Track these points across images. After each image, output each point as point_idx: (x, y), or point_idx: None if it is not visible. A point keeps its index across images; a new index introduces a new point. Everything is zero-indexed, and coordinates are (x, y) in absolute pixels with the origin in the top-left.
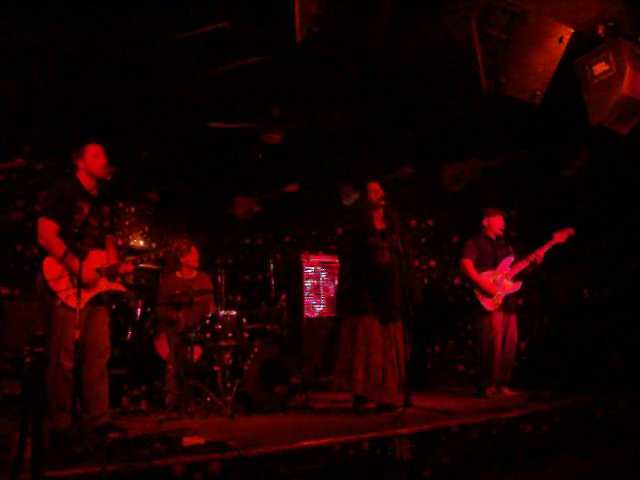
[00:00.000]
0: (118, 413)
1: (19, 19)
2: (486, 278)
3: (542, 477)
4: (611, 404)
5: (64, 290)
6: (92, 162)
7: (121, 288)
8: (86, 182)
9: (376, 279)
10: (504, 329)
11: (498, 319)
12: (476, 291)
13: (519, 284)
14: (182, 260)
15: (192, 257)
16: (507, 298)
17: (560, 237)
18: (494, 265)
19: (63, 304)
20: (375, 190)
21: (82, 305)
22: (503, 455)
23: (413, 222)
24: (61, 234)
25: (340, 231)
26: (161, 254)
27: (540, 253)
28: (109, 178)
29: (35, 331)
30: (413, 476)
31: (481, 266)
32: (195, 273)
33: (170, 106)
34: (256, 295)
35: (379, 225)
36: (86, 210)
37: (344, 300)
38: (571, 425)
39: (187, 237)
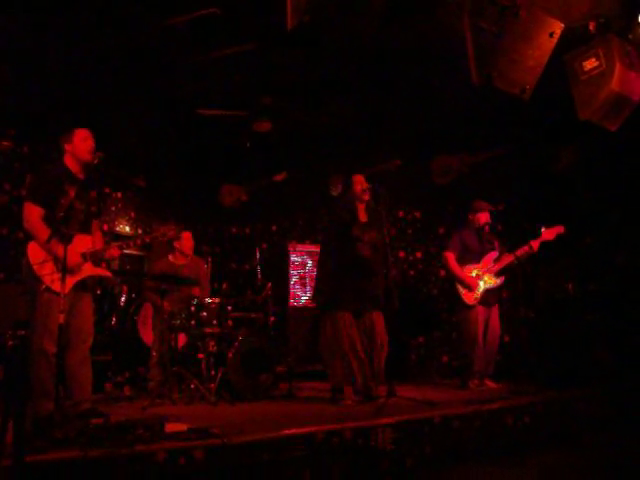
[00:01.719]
0: (101, 399)
1: (6, 3)
2: (468, 272)
3: (524, 468)
4: (594, 397)
5: (48, 275)
6: (80, 146)
7: (106, 273)
8: (73, 166)
9: (356, 271)
10: (485, 322)
11: (479, 312)
12: (457, 284)
13: (502, 279)
14: (176, 245)
15: (187, 244)
16: (488, 292)
17: (549, 234)
18: (478, 259)
19: (47, 289)
20: (359, 182)
21: (67, 290)
22: (485, 446)
23: (401, 213)
24: (46, 218)
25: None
26: (147, 240)
27: (525, 249)
28: (96, 162)
29: (19, 315)
30: (395, 465)
31: (464, 260)
32: (187, 259)
33: (158, 92)
34: (242, 283)
35: (362, 217)
36: (72, 194)
37: (323, 295)
38: (553, 418)
39: (176, 224)
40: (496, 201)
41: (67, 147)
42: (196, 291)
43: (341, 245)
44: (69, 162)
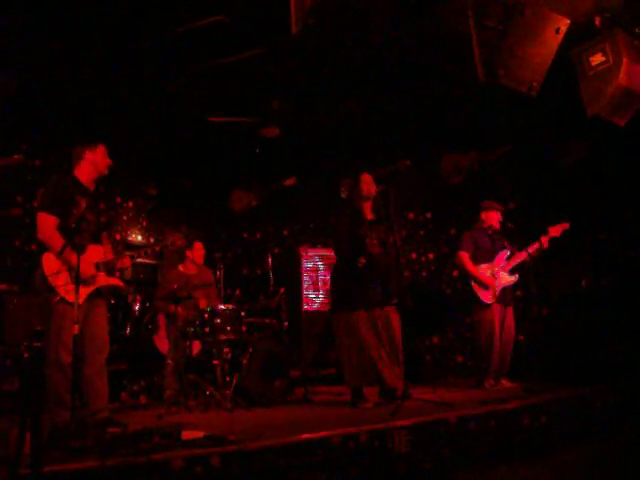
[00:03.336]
0: (117, 408)
1: (17, 15)
2: (482, 271)
3: (541, 468)
4: (610, 394)
5: (63, 285)
6: (100, 159)
7: (119, 283)
8: (85, 177)
9: (367, 269)
10: (501, 321)
11: (495, 311)
12: (473, 283)
13: (516, 277)
14: (187, 254)
15: (197, 253)
16: (504, 290)
17: (555, 231)
18: (491, 258)
19: (62, 299)
20: (367, 182)
21: (81, 300)
22: (502, 447)
23: (411, 215)
24: (60, 229)
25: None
26: (157, 248)
27: (536, 246)
28: (104, 174)
29: (34, 326)
30: (412, 468)
31: (478, 259)
32: (197, 268)
33: (168, 100)
34: (255, 289)
35: (369, 216)
36: (83, 205)
37: (336, 296)
38: (570, 416)
39: (188, 232)
40: (507, 199)
41: (89, 154)
42: (202, 303)
43: (350, 245)
44: (82, 172)
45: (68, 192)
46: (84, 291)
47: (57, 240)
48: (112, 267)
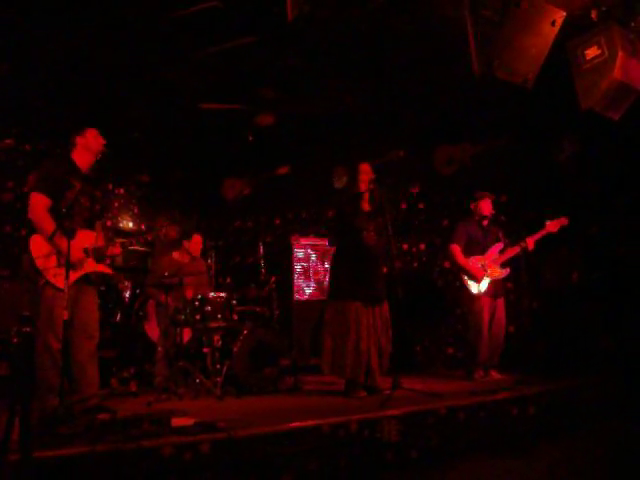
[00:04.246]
0: (107, 394)
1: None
2: (473, 263)
3: (529, 459)
4: (599, 386)
5: (50, 269)
6: (92, 141)
7: (108, 270)
8: (81, 161)
9: (362, 260)
10: (491, 313)
11: (485, 304)
12: (462, 275)
13: (507, 270)
14: (185, 244)
15: (195, 246)
16: (494, 283)
17: (553, 226)
18: (483, 251)
19: (48, 283)
20: (365, 172)
21: (69, 284)
22: (491, 437)
23: (404, 205)
24: (51, 211)
25: (331, 214)
26: (150, 238)
27: (531, 241)
28: (99, 157)
29: (23, 312)
30: (401, 457)
31: (470, 251)
32: (191, 257)
33: (161, 87)
34: (246, 277)
35: (365, 207)
36: (78, 187)
37: (333, 286)
38: (559, 408)
39: (187, 223)
40: (499, 191)
41: (79, 140)
42: (189, 293)
43: (346, 236)
44: (78, 156)
45: (62, 173)
46: (72, 276)
47: (49, 222)
48: (102, 254)
